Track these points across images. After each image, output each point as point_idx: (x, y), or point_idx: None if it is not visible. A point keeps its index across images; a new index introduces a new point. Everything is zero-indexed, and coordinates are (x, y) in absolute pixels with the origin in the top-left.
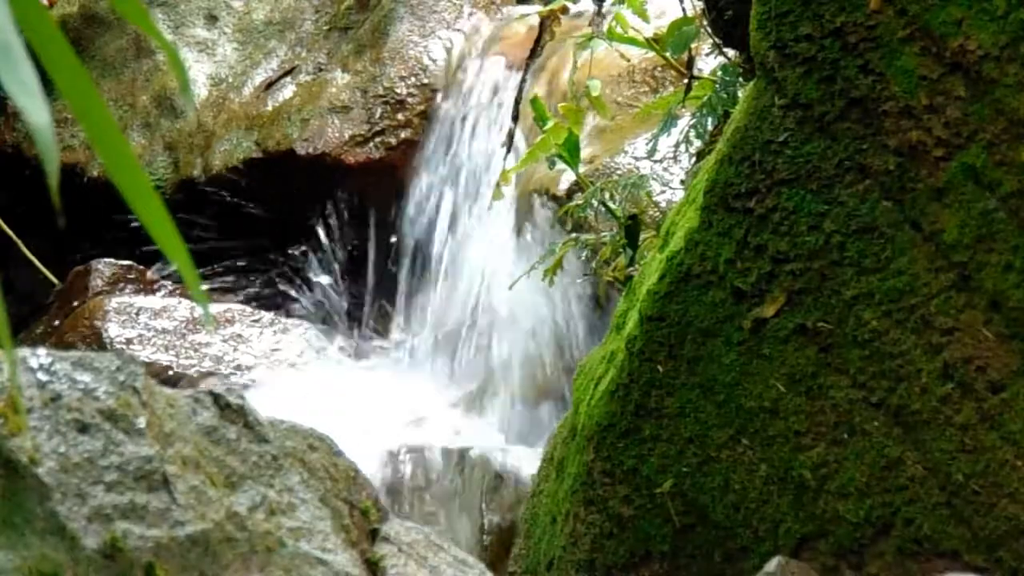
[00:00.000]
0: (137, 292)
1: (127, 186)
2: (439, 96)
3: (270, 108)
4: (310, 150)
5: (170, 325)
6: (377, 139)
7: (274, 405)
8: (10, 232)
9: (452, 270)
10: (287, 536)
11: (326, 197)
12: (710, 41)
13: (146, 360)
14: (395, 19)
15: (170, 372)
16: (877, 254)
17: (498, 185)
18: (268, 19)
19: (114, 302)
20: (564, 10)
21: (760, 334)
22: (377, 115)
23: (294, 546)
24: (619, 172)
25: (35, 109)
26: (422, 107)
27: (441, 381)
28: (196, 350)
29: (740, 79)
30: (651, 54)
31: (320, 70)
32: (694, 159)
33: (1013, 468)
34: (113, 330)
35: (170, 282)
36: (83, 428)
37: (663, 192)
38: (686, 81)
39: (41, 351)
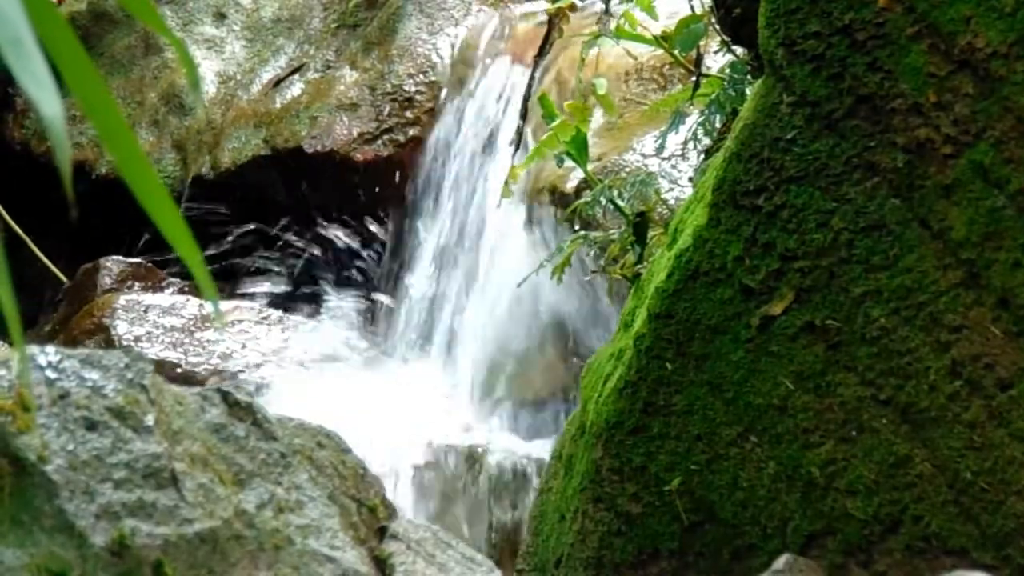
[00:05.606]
0: (146, 289)
1: (137, 182)
2: (447, 93)
3: (278, 105)
4: (318, 147)
5: (178, 323)
6: (385, 136)
7: (282, 402)
8: (18, 229)
9: (460, 268)
10: (295, 534)
11: (334, 194)
12: (718, 39)
13: (154, 358)
14: (403, 16)
15: (178, 370)
16: (885, 251)
17: (507, 183)
18: (276, 16)
19: (123, 299)
20: (572, 7)
21: (768, 331)
22: (385, 112)
23: (302, 544)
24: (627, 169)
25: (47, 101)
26: (430, 104)
27: (449, 378)
28: (204, 348)
29: (748, 76)
30: (659, 52)
31: (328, 67)
32: (702, 156)
33: (1021, 465)
34: (121, 327)
35: (179, 279)
36: (91, 426)
37: (671, 189)
38: (694, 79)
39: (49, 348)
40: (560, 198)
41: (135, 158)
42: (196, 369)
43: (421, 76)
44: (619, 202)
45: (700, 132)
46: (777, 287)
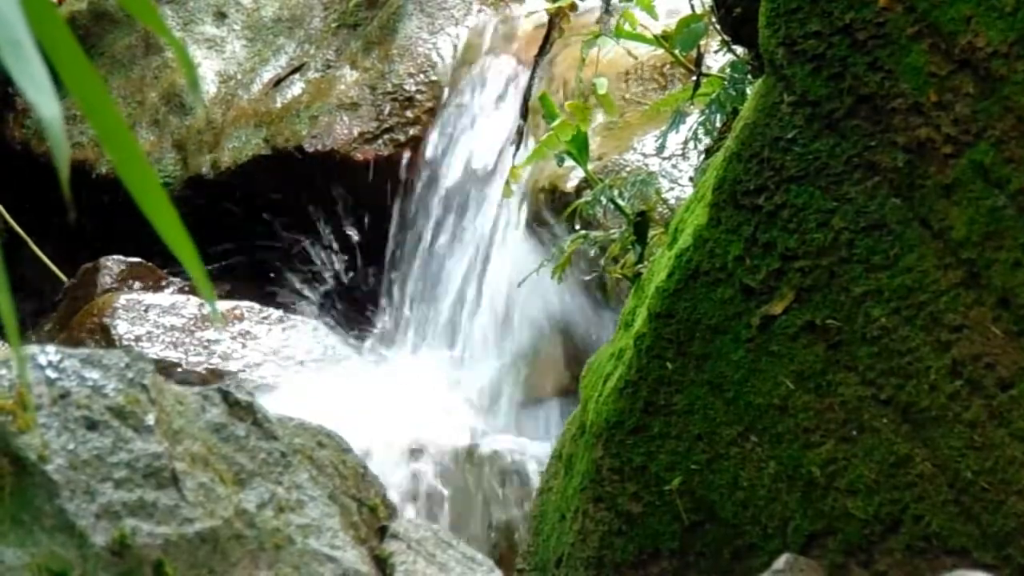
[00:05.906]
0: (146, 289)
1: (135, 183)
2: (447, 93)
3: (279, 105)
4: (319, 147)
5: (179, 322)
6: (386, 136)
7: (282, 402)
8: (19, 229)
9: (461, 267)
10: (296, 533)
11: (335, 194)
12: (719, 38)
13: (155, 357)
14: (404, 16)
15: (179, 369)
16: (886, 251)
17: (507, 182)
18: (277, 16)
19: (123, 299)
20: (573, 7)
21: (769, 331)
22: (386, 112)
23: (303, 543)
24: (628, 169)
25: (45, 103)
26: (431, 104)
27: (449, 377)
28: (205, 347)
29: (749, 76)
30: (660, 51)
31: (329, 67)
32: (703, 156)
33: (1022, 465)
34: (122, 327)
35: (179, 279)
36: (92, 425)
37: (672, 189)
38: (695, 78)
39: (50, 348)
40: (560, 197)
41: (134, 159)
42: (196, 368)
43: (421, 76)
44: (619, 202)
45: (700, 132)
46: (777, 287)
